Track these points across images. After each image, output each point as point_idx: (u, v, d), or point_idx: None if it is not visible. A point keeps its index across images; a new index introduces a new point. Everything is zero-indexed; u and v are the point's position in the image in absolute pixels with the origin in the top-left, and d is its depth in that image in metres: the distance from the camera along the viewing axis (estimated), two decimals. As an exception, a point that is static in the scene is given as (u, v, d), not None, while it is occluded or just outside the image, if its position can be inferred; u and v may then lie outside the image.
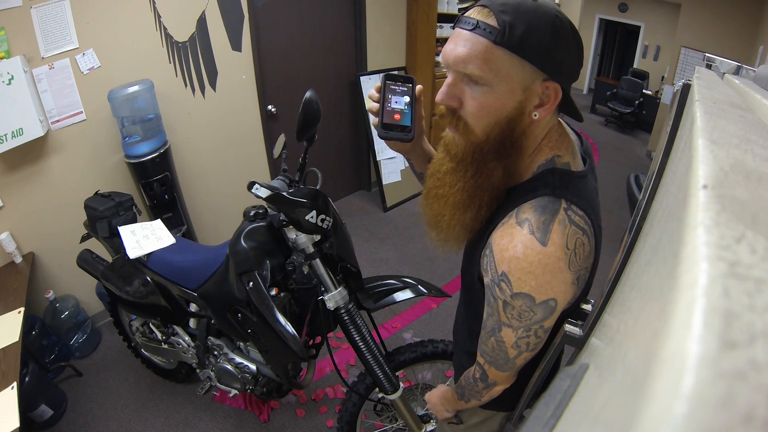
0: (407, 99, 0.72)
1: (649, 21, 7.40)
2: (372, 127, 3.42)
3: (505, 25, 0.57)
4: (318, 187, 1.25)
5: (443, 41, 3.72)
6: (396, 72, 0.71)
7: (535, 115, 0.64)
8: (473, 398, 0.85)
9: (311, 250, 1.25)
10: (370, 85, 3.38)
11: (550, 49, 0.59)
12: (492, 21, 0.58)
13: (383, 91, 0.72)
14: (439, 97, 0.65)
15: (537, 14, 0.58)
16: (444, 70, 0.66)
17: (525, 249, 0.61)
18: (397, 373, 1.41)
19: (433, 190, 0.74)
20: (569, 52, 0.61)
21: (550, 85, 0.62)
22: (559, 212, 0.62)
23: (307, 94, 1.21)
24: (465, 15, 0.63)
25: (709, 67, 1.00)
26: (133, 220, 1.70)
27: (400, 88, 0.72)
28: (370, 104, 0.77)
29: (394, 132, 0.71)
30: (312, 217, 1.18)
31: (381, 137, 0.72)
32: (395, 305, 1.88)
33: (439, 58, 0.67)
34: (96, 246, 1.84)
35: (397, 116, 0.71)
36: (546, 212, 0.62)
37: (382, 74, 0.73)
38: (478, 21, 0.59)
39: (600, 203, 0.74)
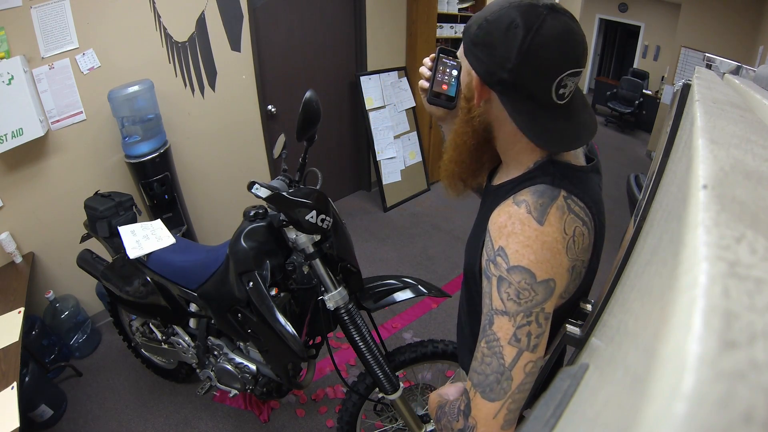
0: (455, 73, 0.80)
1: (649, 21, 7.40)
2: (370, 124, 3.43)
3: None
4: (318, 187, 1.25)
5: (443, 41, 3.72)
6: (449, 48, 0.81)
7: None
8: (447, 426, 0.70)
9: (311, 250, 1.25)
10: (370, 85, 3.38)
11: (472, 39, 0.65)
12: None
13: (436, 62, 0.80)
14: None
15: (488, 6, 0.64)
16: None
17: (522, 226, 0.60)
18: (397, 373, 1.41)
19: None
20: (491, 48, 0.62)
21: (473, 75, 0.67)
22: (558, 199, 0.62)
23: (307, 94, 1.21)
24: None
25: (709, 67, 1.00)
26: (133, 220, 1.70)
27: (451, 62, 0.80)
28: (422, 70, 0.85)
29: (439, 100, 0.80)
30: (312, 217, 1.18)
31: (429, 102, 0.81)
32: (395, 305, 1.88)
33: None
34: (96, 246, 1.84)
35: (444, 86, 0.79)
36: (544, 196, 0.62)
37: (438, 47, 0.82)
38: None
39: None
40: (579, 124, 0.66)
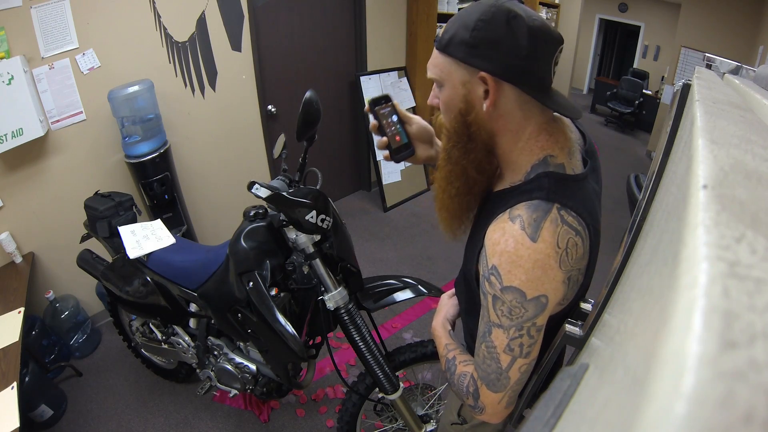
0: (395, 118, 0.78)
1: (649, 21, 7.40)
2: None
3: (442, 32, 0.68)
4: (318, 187, 1.25)
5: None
6: (376, 97, 0.79)
7: (484, 107, 0.67)
8: (455, 391, 0.81)
9: (311, 250, 1.25)
10: (370, 85, 3.38)
11: (471, 43, 0.64)
12: (441, 31, 0.69)
13: (378, 119, 0.77)
14: (429, 99, 0.76)
15: (467, 13, 0.65)
16: None
17: (516, 243, 0.62)
18: (397, 373, 1.41)
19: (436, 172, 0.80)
20: (498, 43, 0.63)
21: (485, 77, 0.65)
22: (551, 212, 0.63)
23: (307, 94, 1.21)
24: None
25: (709, 67, 1.00)
26: (133, 220, 1.70)
27: (385, 109, 0.78)
28: (375, 137, 0.83)
29: (403, 154, 0.78)
30: (312, 217, 1.18)
31: (396, 162, 0.79)
32: (395, 305, 1.88)
33: None
34: (96, 246, 1.84)
35: (398, 138, 0.78)
36: (538, 210, 0.63)
37: (367, 102, 0.78)
38: (438, 34, 0.70)
39: (601, 205, 0.74)
40: (566, 100, 0.72)
